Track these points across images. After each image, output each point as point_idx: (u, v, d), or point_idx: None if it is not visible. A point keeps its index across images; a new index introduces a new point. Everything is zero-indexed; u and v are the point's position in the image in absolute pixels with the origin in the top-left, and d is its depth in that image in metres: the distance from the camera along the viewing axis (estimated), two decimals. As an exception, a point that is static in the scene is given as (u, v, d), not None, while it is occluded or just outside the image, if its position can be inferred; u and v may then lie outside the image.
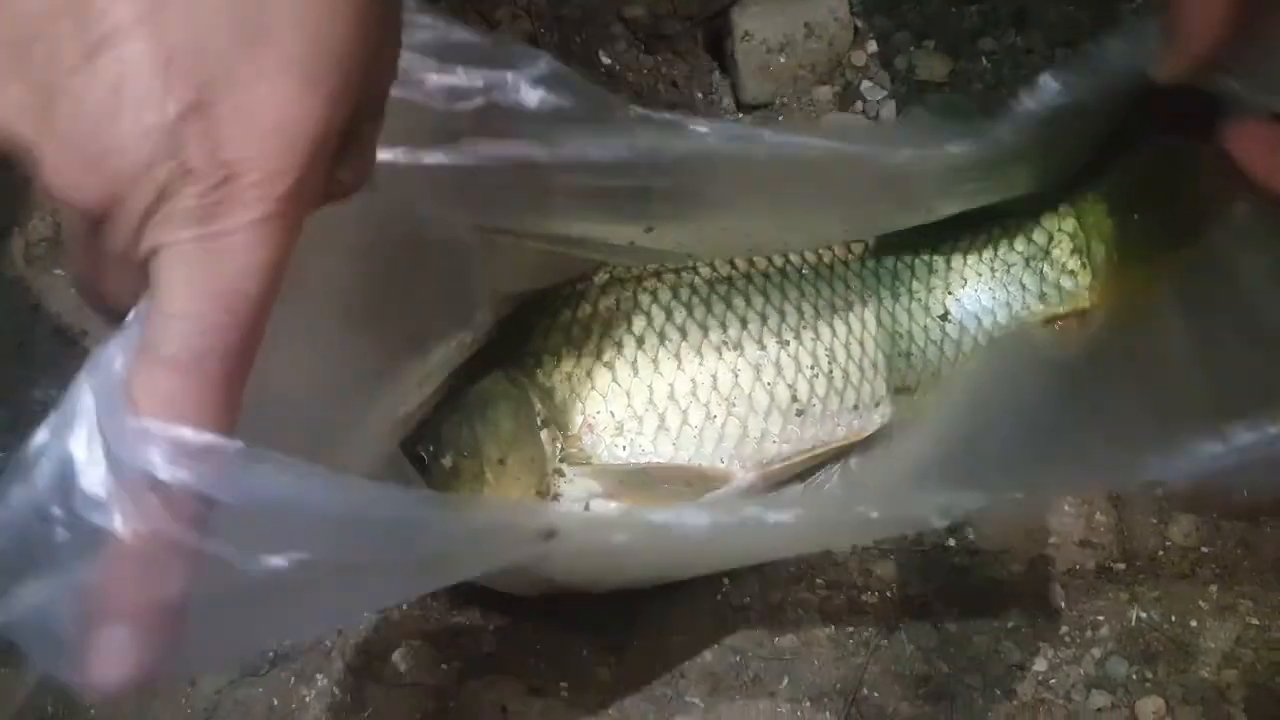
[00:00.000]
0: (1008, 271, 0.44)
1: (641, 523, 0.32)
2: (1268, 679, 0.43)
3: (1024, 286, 0.44)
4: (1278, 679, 0.43)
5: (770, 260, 0.45)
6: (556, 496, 0.43)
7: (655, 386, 0.44)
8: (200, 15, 0.21)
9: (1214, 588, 0.45)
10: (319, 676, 0.46)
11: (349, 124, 0.24)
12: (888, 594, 0.46)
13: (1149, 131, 0.42)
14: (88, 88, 0.21)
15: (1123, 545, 0.46)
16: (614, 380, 0.44)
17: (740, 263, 0.45)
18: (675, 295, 0.44)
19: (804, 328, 0.44)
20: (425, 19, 0.32)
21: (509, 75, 0.32)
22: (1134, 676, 0.44)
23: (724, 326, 0.44)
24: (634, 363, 0.44)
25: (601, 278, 0.46)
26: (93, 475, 0.22)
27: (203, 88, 0.21)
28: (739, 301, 0.44)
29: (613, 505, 0.43)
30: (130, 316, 0.23)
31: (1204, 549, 0.46)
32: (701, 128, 0.35)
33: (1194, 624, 0.44)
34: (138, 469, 0.21)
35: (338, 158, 0.24)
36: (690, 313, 0.43)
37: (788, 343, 0.45)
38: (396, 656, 0.47)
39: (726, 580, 0.47)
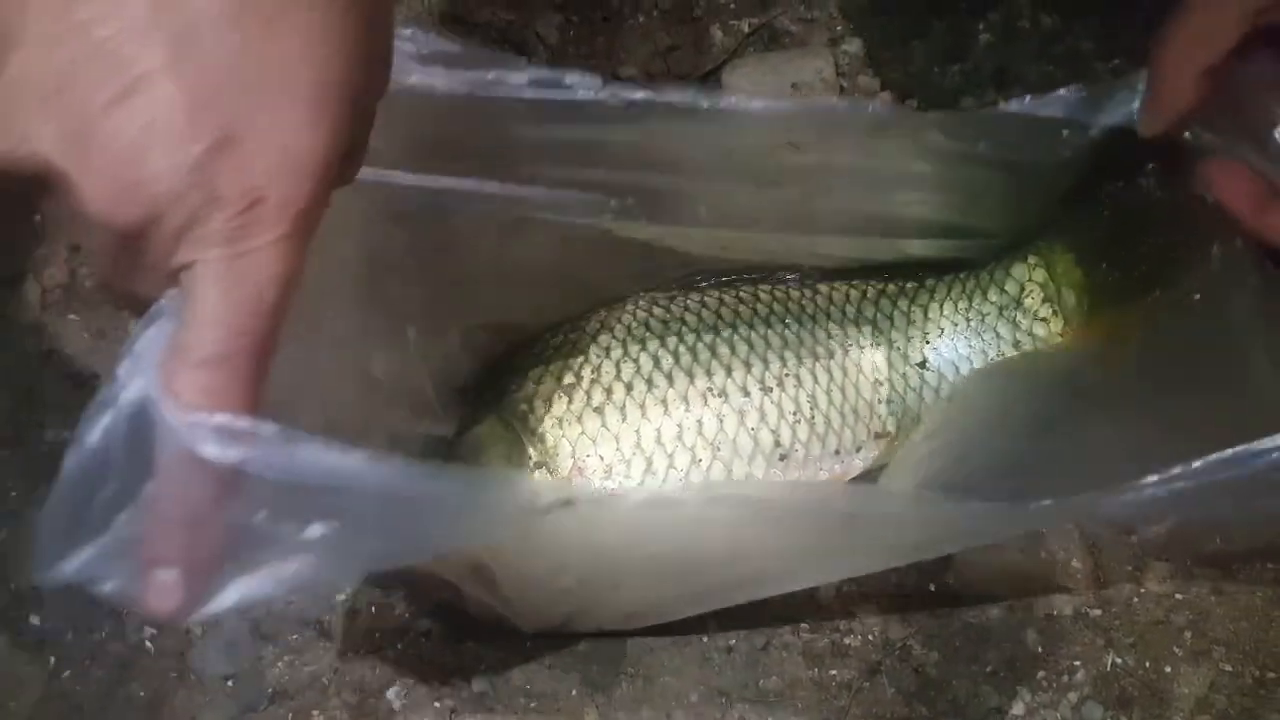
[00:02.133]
0: (982, 321, 0.46)
1: (646, 499, 0.35)
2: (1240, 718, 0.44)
3: (998, 335, 0.46)
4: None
5: (754, 310, 0.47)
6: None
7: (643, 432, 0.46)
8: (220, 61, 0.24)
9: (1188, 634, 0.46)
10: (315, 713, 0.48)
11: (351, 142, 0.27)
12: (869, 637, 0.47)
13: (1116, 181, 0.44)
14: (121, 127, 0.24)
15: (1098, 591, 0.47)
16: (603, 425, 0.46)
17: (726, 312, 0.48)
18: (663, 343, 0.45)
19: (787, 375, 0.45)
20: (406, 31, 0.36)
21: (490, 74, 0.35)
22: (1110, 717, 0.45)
23: (709, 374, 0.46)
24: (623, 408, 0.46)
25: (593, 326, 0.48)
26: (142, 449, 0.26)
27: (226, 126, 0.24)
28: (724, 350, 0.45)
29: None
30: (158, 305, 0.27)
31: (1178, 596, 0.47)
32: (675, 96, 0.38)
33: (1168, 669, 0.45)
34: (185, 449, 0.25)
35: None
36: (677, 360, 0.45)
37: (771, 390, 0.46)
38: (390, 694, 0.48)
39: (712, 622, 0.48)
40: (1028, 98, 0.43)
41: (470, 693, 0.48)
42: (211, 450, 0.25)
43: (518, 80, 0.37)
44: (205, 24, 0.24)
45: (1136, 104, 0.40)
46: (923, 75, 0.59)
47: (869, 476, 0.48)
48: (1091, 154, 0.42)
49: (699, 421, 0.46)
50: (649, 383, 0.46)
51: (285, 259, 0.25)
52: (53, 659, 0.50)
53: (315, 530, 0.27)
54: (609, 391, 0.46)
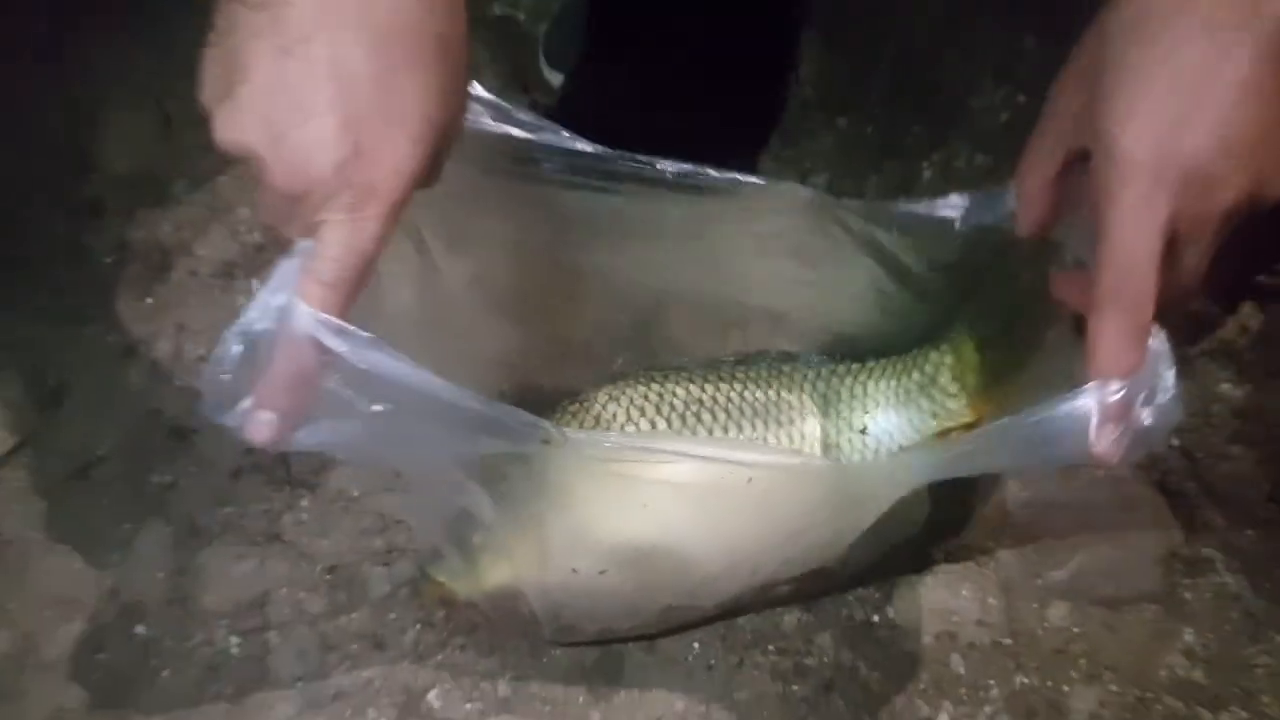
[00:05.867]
0: (908, 396, 0.57)
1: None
2: (1124, 734, 0.54)
3: (920, 407, 0.57)
4: (1133, 735, 0.54)
5: (731, 385, 0.59)
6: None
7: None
8: (363, 102, 0.39)
9: (1083, 660, 0.56)
10: (370, 710, 0.58)
11: (437, 161, 0.41)
12: (824, 659, 0.58)
13: (1010, 279, 0.56)
14: (300, 138, 0.38)
15: (1010, 625, 0.57)
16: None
17: (709, 388, 0.59)
18: (658, 411, 0.57)
19: (755, 438, 0.57)
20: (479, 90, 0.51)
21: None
22: (1018, 729, 0.55)
23: (695, 434, 0.57)
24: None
25: (602, 398, 0.60)
26: (268, 331, 0.40)
27: (360, 144, 0.39)
28: (707, 417, 0.57)
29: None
30: (297, 245, 0.40)
31: (1075, 629, 0.57)
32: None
33: (1066, 689, 0.56)
34: (306, 333, 0.39)
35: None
36: (669, 424, 0.57)
37: (742, 450, 0.58)
38: (431, 696, 0.58)
39: (696, 645, 0.59)
40: (923, 202, 0.54)
41: (496, 697, 0.58)
42: (324, 336, 0.38)
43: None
44: (359, 79, 0.38)
45: (998, 214, 0.51)
46: (895, 180, 0.72)
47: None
48: (990, 255, 0.54)
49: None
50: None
51: (382, 228, 0.39)
52: (154, 661, 0.61)
53: (374, 408, 0.40)
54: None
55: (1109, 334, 0.40)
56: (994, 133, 0.75)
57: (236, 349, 0.40)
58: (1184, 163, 0.39)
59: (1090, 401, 0.40)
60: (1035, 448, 0.42)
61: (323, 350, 0.39)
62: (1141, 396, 0.40)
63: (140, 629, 0.62)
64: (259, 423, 0.40)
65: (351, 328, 0.39)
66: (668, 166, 0.53)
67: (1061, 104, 0.45)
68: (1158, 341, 0.41)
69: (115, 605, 0.63)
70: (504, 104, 0.51)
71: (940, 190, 0.72)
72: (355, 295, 0.40)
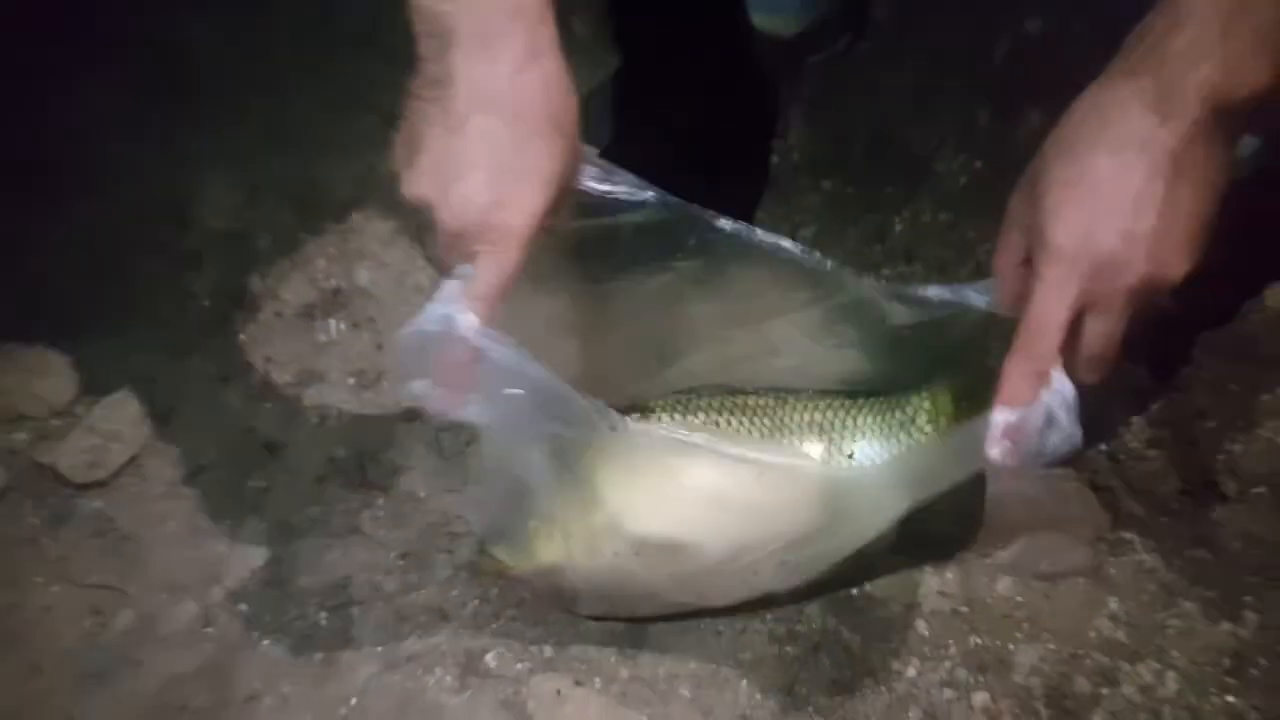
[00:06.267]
0: (890, 430, 0.68)
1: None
2: (1060, 681, 0.65)
3: (899, 440, 0.68)
4: (1068, 682, 0.65)
5: (744, 413, 0.70)
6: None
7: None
8: (503, 164, 0.52)
9: (1025, 624, 0.68)
10: (437, 669, 0.70)
11: (556, 206, 0.54)
12: (813, 625, 0.69)
13: (977, 351, 0.68)
14: (460, 191, 0.52)
15: (966, 595, 0.69)
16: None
17: (724, 414, 0.71)
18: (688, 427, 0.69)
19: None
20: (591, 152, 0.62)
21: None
22: (972, 680, 0.66)
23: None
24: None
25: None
26: (439, 332, 0.53)
27: (501, 196, 0.53)
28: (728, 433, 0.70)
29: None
30: (457, 269, 0.53)
31: (1018, 599, 0.69)
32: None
33: (1011, 647, 0.67)
34: (463, 334, 0.52)
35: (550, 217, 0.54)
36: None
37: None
38: (488, 658, 0.70)
39: (706, 616, 0.71)
40: (931, 287, 0.65)
41: (542, 658, 0.70)
42: (477, 339, 0.52)
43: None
44: (501, 147, 0.52)
45: (986, 300, 0.63)
46: (855, 252, 0.85)
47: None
48: (966, 330, 0.66)
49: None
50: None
51: (518, 256, 0.52)
52: (255, 634, 0.73)
53: (509, 392, 0.54)
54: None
55: (1014, 375, 0.53)
56: (955, 193, 0.88)
57: (413, 343, 0.53)
58: (1094, 253, 0.51)
59: (992, 421, 0.53)
60: (967, 456, 0.55)
61: (476, 348, 0.53)
62: (1040, 424, 0.53)
63: (243, 607, 0.74)
64: (435, 398, 0.53)
65: (494, 333, 0.53)
66: (725, 224, 0.64)
67: (1017, 208, 0.57)
68: (1064, 389, 0.53)
69: (221, 589, 0.75)
70: (607, 164, 0.62)
71: (909, 241, 0.86)
72: (499, 306, 0.53)
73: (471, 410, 0.54)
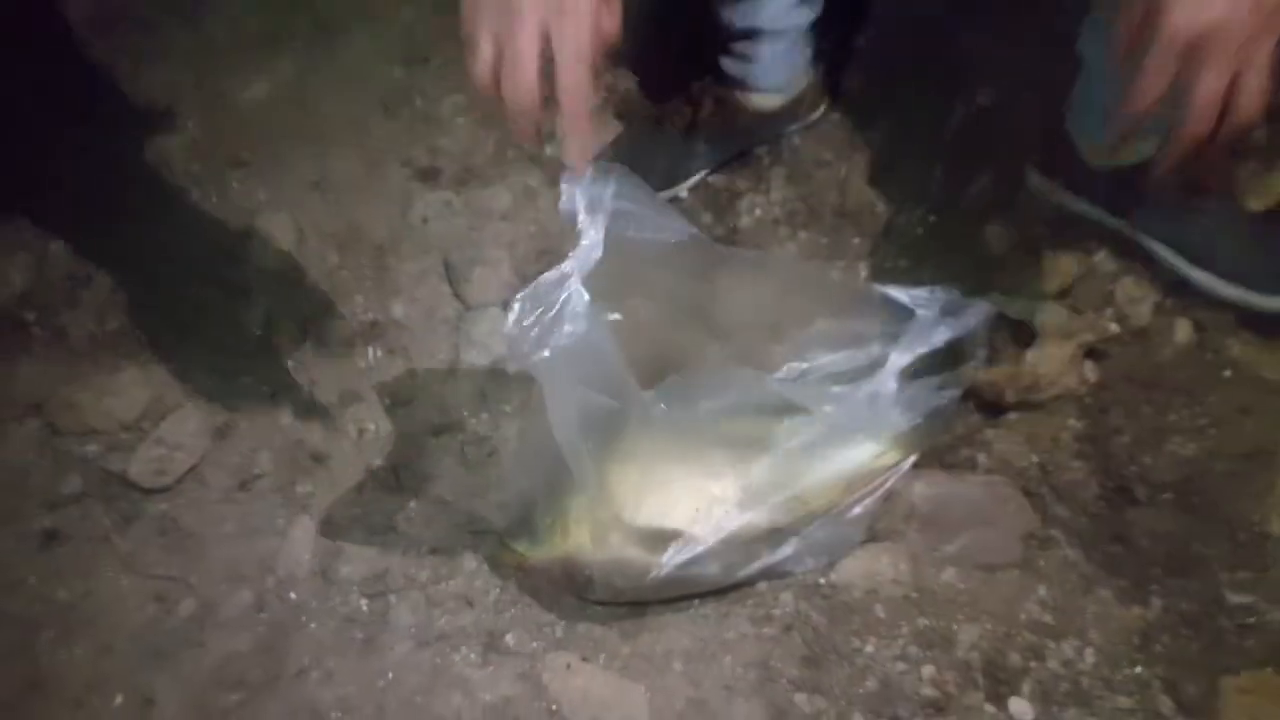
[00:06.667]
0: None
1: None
2: (995, 656, 0.77)
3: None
4: (1002, 657, 0.77)
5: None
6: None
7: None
8: None
9: (967, 608, 0.79)
10: (463, 647, 0.81)
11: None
12: (786, 609, 0.81)
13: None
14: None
15: (916, 583, 0.81)
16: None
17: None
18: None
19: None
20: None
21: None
22: (920, 655, 0.77)
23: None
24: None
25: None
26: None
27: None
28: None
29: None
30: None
31: (961, 586, 0.80)
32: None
33: (954, 627, 0.78)
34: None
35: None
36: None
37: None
38: (507, 638, 0.81)
39: (696, 601, 0.82)
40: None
41: (554, 637, 0.81)
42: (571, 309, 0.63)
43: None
44: None
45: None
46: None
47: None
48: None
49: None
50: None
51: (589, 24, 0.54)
52: (303, 617, 0.84)
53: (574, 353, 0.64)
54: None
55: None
56: (914, 242, 1.01)
57: (526, 311, 0.63)
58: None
59: None
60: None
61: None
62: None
63: (292, 595, 0.85)
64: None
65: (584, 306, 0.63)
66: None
67: None
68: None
69: (274, 578, 0.86)
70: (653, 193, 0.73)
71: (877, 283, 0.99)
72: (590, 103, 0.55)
73: (541, 361, 0.63)
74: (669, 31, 1.14)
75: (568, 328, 0.64)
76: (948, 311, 0.76)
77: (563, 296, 0.64)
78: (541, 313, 0.64)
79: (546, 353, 0.63)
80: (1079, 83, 0.91)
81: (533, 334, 0.63)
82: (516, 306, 0.64)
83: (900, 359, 0.74)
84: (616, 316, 0.76)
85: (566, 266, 0.64)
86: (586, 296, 0.64)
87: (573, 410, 0.68)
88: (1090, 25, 0.87)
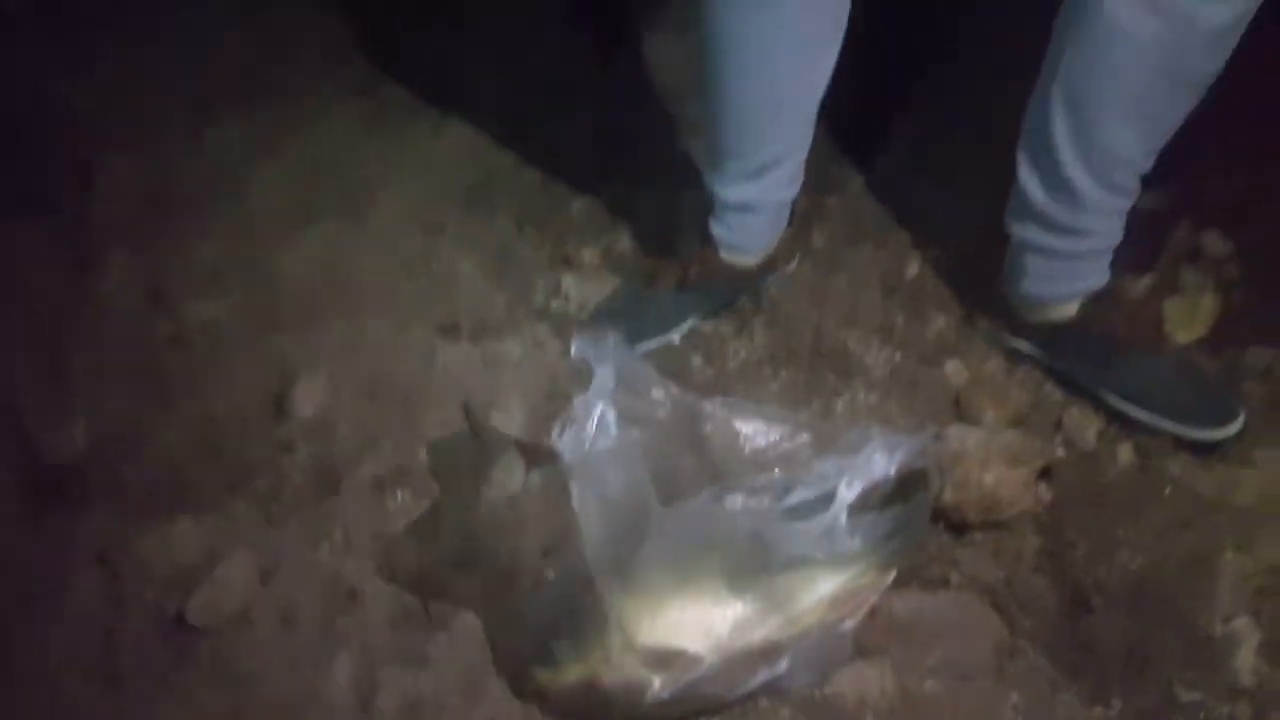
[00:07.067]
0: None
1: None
2: None
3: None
4: None
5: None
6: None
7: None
8: None
9: (948, 714, 0.88)
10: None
11: None
12: (786, 718, 0.89)
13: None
14: None
15: (902, 692, 0.89)
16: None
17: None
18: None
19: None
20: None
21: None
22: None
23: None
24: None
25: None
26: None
27: None
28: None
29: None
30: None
31: (941, 695, 0.89)
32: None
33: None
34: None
35: None
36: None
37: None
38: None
39: (703, 718, 0.90)
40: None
41: None
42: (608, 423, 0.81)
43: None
44: None
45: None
46: (807, 425, 1.10)
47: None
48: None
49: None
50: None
51: None
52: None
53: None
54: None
55: None
56: (880, 380, 1.14)
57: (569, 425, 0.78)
58: None
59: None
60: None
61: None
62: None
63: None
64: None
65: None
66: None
67: None
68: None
69: (317, 708, 0.95)
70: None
71: (849, 417, 1.11)
72: None
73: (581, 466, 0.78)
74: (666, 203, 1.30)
75: (601, 441, 0.80)
76: (890, 448, 0.87)
77: (596, 413, 0.79)
78: (578, 427, 0.80)
79: (585, 458, 0.79)
80: (1008, 253, 1.06)
81: (574, 444, 0.79)
82: (559, 425, 0.79)
83: (849, 493, 0.85)
84: (638, 434, 0.88)
85: (590, 395, 0.78)
86: (615, 413, 0.77)
87: (600, 521, 0.81)
88: (1016, 199, 1.03)
